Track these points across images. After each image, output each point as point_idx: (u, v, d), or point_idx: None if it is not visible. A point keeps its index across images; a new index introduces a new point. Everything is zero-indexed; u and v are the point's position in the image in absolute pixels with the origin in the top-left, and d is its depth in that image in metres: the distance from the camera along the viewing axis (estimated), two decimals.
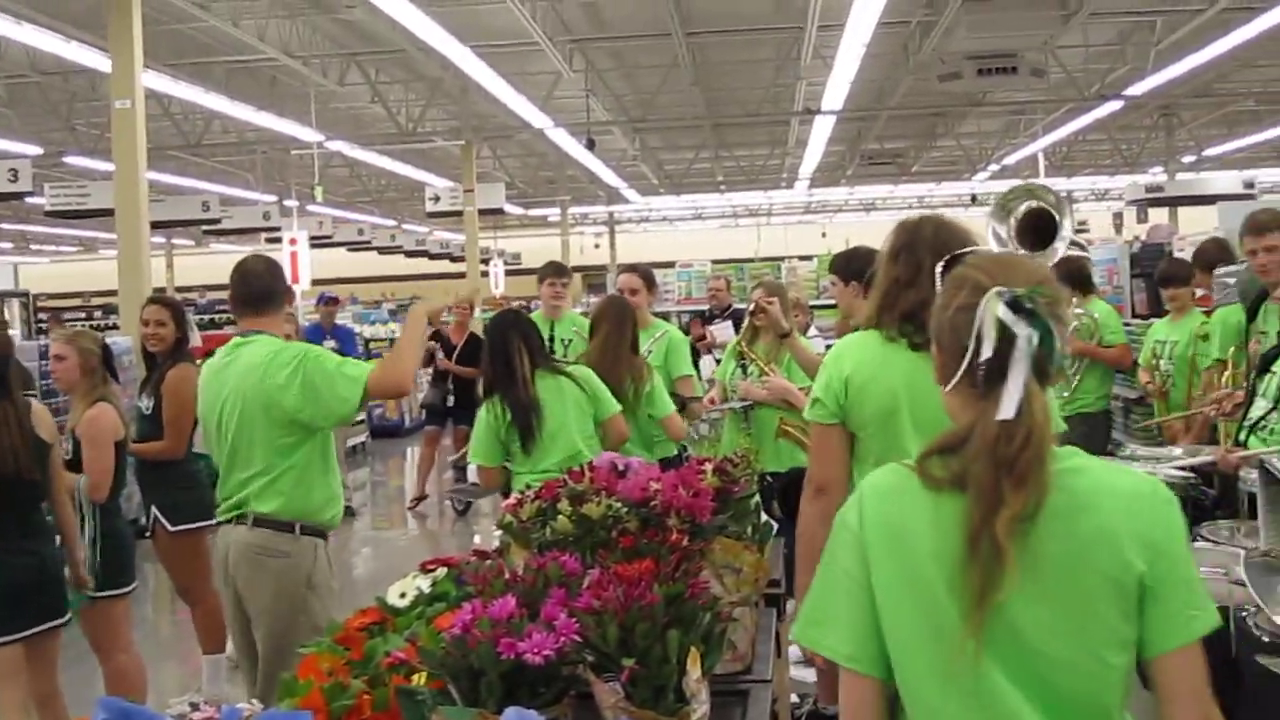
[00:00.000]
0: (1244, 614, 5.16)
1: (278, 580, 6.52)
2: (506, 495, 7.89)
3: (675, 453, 9.12)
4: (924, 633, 2.92)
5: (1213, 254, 10.81)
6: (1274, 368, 7.05)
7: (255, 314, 6.77)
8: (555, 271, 11.52)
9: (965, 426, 2.97)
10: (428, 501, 18.60)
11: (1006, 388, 2.88)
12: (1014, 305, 2.91)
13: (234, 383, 6.59)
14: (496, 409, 7.86)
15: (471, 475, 8.57)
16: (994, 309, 2.91)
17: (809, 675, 8.41)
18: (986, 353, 2.91)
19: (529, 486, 4.84)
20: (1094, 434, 11.11)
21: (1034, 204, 11.38)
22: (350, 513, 16.54)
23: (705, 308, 16.57)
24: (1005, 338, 2.90)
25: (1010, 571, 2.79)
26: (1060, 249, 11.43)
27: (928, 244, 4.92)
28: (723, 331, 13.36)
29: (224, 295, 7.32)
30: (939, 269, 3.40)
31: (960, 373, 2.99)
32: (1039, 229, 11.39)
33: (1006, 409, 2.86)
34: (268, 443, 6.51)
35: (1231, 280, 9.88)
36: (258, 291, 6.79)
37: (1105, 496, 2.91)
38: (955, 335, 3.01)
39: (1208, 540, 6.64)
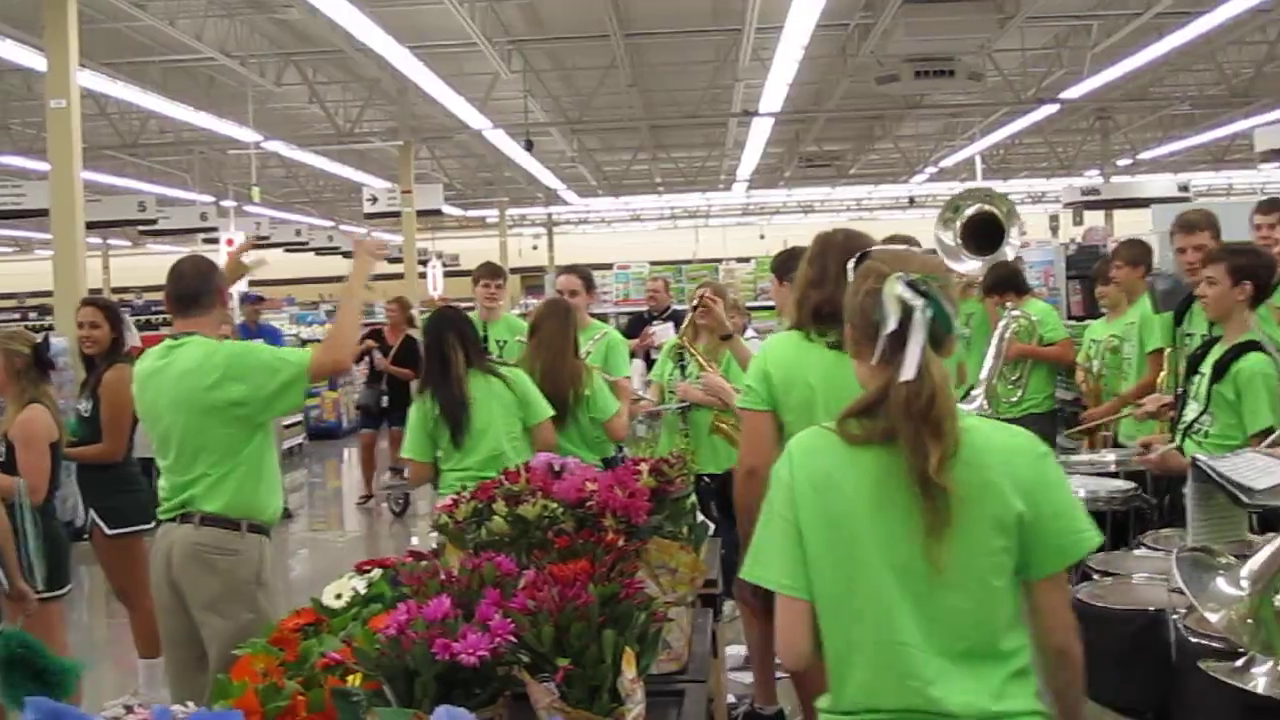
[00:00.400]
0: (1175, 616, 5.20)
1: (227, 578, 6.54)
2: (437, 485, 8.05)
3: (613, 453, 9.13)
4: (841, 567, 3.57)
5: (1133, 252, 10.84)
6: (1201, 368, 7.10)
7: (186, 315, 6.77)
8: (490, 273, 11.52)
9: (877, 391, 3.61)
10: (356, 504, 18.60)
11: (907, 354, 3.51)
12: (911, 286, 3.56)
13: (172, 387, 6.59)
14: (427, 404, 8.00)
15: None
16: (895, 290, 3.57)
17: (746, 676, 8.44)
18: (891, 326, 3.55)
19: (465, 487, 4.83)
20: (1042, 434, 11.14)
21: (983, 208, 11.46)
22: (287, 514, 16.52)
23: (644, 309, 16.54)
24: (905, 313, 3.55)
25: (956, 503, 3.46)
26: (1009, 253, 11.49)
27: (836, 249, 5.43)
28: (664, 333, 13.36)
29: (161, 296, 7.31)
30: (850, 264, 3.89)
31: (870, 344, 3.62)
32: (982, 235, 11.47)
33: (908, 371, 3.50)
34: (216, 443, 6.53)
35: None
36: (186, 292, 6.78)
37: (991, 452, 3.58)
38: (864, 314, 3.66)
39: (1151, 548, 6.69)
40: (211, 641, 6.60)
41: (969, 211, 11.56)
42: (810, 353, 5.54)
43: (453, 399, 7.90)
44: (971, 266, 11.55)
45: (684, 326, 9.38)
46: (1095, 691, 6.09)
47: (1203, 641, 4.93)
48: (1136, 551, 6.85)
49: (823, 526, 3.60)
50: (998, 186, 39.97)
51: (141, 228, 31.70)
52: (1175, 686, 5.28)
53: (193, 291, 6.78)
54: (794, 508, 3.64)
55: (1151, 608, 5.57)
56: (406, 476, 9.16)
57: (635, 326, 14.58)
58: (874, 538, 3.54)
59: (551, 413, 8.19)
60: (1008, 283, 11.58)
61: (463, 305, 12.73)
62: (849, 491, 3.58)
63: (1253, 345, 6.87)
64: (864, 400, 3.65)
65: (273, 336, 18.82)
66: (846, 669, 3.61)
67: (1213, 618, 3.87)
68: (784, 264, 7.50)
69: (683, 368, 9.76)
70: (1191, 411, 7.08)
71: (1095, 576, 6.37)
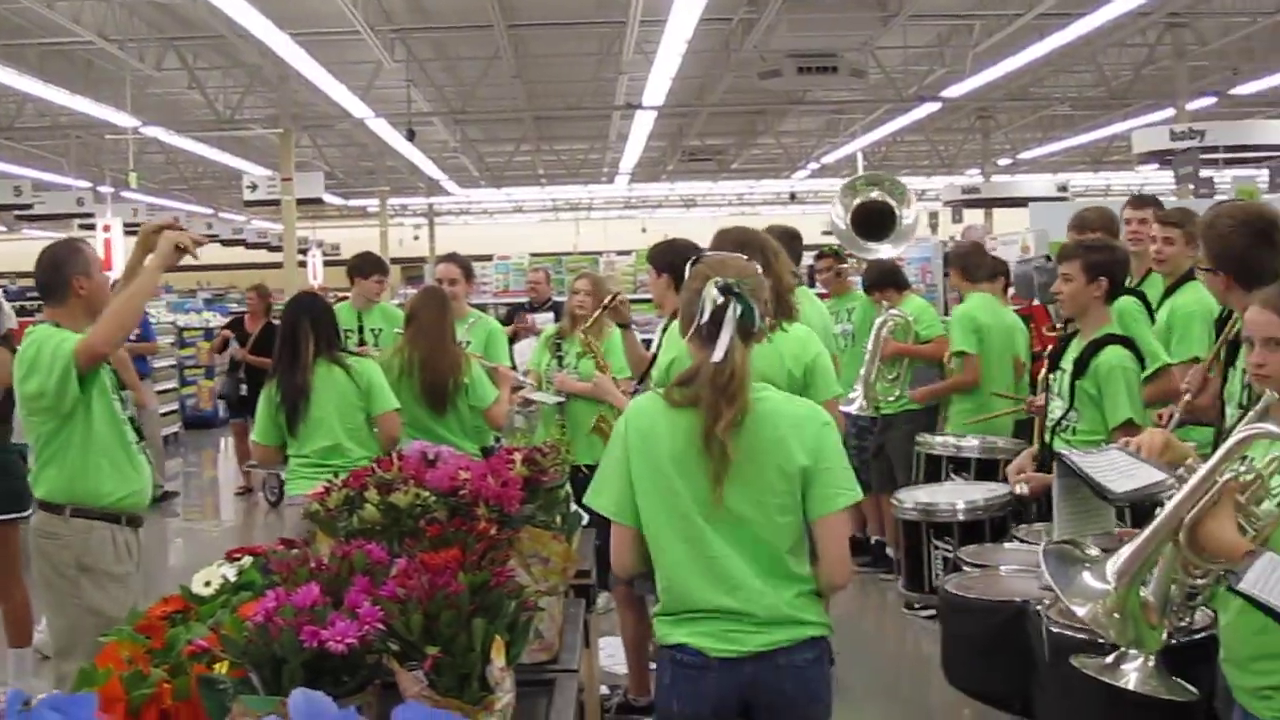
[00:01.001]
0: (1040, 608, 5.27)
1: (48, 562, 6.67)
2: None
3: (492, 442, 9.12)
4: (661, 500, 4.67)
5: (955, 253, 11.00)
6: (1061, 364, 7.18)
7: (46, 304, 6.86)
8: (382, 268, 11.55)
9: (694, 367, 4.69)
10: (235, 494, 18.48)
11: (719, 342, 4.54)
12: (724, 289, 4.62)
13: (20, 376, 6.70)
14: (272, 389, 8.16)
15: None
16: (710, 291, 4.64)
17: (620, 667, 8.46)
18: (704, 318, 4.62)
19: (336, 475, 4.81)
20: (918, 429, 11.23)
21: (877, 195, 11.51)
22: (163, 498, 16.47)
23: (525, 300, 16.53)
24: (718, 309, 4.60)
25: (733, 460, 4.52)
26: (898, 243, 11.53)
27: (730, 243, 6.26)
28: (545, 322, 13.39)
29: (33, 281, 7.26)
30: (688, 265, 4.97)
31: (692, 332, 4.70)
32: (874, 224, 11.56)
33: (717, 355, 4.53)
34: (33, 430, 6.68)
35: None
36: (39, 282, 6.87)
37: (783, 417, 4.68)
38: (689, 307, 4.73)
39: (1022, 541, 6.78)
40: (49, 626, 6.70)
41: (872, 195, 11.64)
42: None
43: (294, 387, 8.02)
44: (884, 250, 11.62)
45: (592, 321, 9.32)
46: (961, 681, 6.18)
47: (1066, 633, 5.00)
48: (1008, 544, 6.93)
49: (646, 469, 4.68)
50: None
51: (17, 212, 31.36)
52: (1039, 678, 5.36)
53: (43, 282, 6.82)
54: (626, 453, 4.73)
55: (1017, 599, 5.65)
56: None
57: (515, 318, 14.60)
58: (683, 479, 4.62)
59: (396, 404, 8.24)
60: (888, 279, 11.66)
61: (342, 294, 12.66)
62: (665, 443, 4.67)
63: (1111, 339, 6.97)
64: (685, 373, 4.75)
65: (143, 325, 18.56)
66: (672, 579, 4.71)
67: (1080, 611, 3.90)
68: (662, 255, 7.57)
69: (560, 359, 9.78)
70: (1057, 409, 7.16)
71: (966, 568, 6.45)
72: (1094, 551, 4.12)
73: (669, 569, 4.69)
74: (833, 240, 12.48)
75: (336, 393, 8.01)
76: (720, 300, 4.59)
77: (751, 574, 4.60)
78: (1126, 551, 3.87)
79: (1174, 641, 4.34)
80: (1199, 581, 3.96)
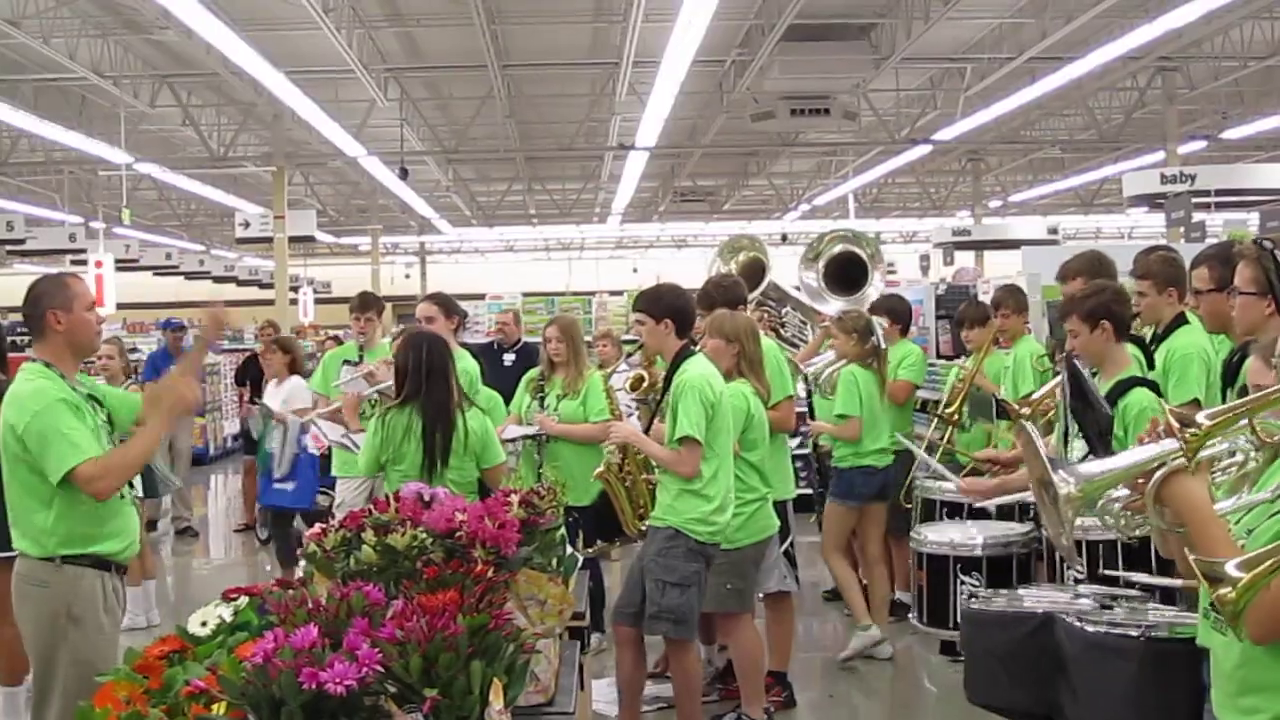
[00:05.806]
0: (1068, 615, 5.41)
1: (37, 609, 6.33)
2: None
3: None
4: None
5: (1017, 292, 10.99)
6: None
7: (32, 340, 6.61)
8: (358, 305, 11.47)
9: None
10: (234, 530, 18.42)
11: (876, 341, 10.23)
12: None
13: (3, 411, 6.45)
14: (410, 417, 7.66)
15: None
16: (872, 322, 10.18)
17: (612, 710, 8.45)
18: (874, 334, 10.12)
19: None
20: (897, 467, 11.14)
21: (848, 249, 11.59)
22: (190, 532, 16.77)
23: (493, 340, 16.26)
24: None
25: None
26: (872, 295, 11.59)
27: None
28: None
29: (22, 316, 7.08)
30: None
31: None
32: (846, 275, 11.62)
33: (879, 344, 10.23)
34: (27, 474, 6.32)
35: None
36: (24, 318, 6.63)
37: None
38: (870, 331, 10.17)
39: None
40: (30, 674, 6.49)
41: (834, 251, 11.69)
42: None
43: (447, 421, 7.60)
44: (835, 306, 11.64)
45: (611, 371, 9.38)
46: (983, 696, 6.32)
47: (1103, 631, 5.16)
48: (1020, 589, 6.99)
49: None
50: (870, 225, 40.55)
51: (9, 247, 31.35)
52: (1069, 683, 5.47)
53: (26, 316, 6.60)
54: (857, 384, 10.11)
55: (1041, 609, 5.81)
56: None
57: (486, 357, 14.53)
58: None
59: (504, 457, 8.08)
60: (897, 319, 11.61)
61: (335, 331, 12.68)
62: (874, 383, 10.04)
63: (1134, 382, 6.91)
64: None
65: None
66: (867, 428, 10.00)
67: (1059, 482, 3.82)
68: (655, 303, 7.61)
69: (541, 400, 9.82)
70: (1077, 450, 7.07)
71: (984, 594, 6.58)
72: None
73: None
74: None
75: (460, 440, 7.70)
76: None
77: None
78: (1125, 458, 3.81)
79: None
80: (1133, 522, 3.89)
